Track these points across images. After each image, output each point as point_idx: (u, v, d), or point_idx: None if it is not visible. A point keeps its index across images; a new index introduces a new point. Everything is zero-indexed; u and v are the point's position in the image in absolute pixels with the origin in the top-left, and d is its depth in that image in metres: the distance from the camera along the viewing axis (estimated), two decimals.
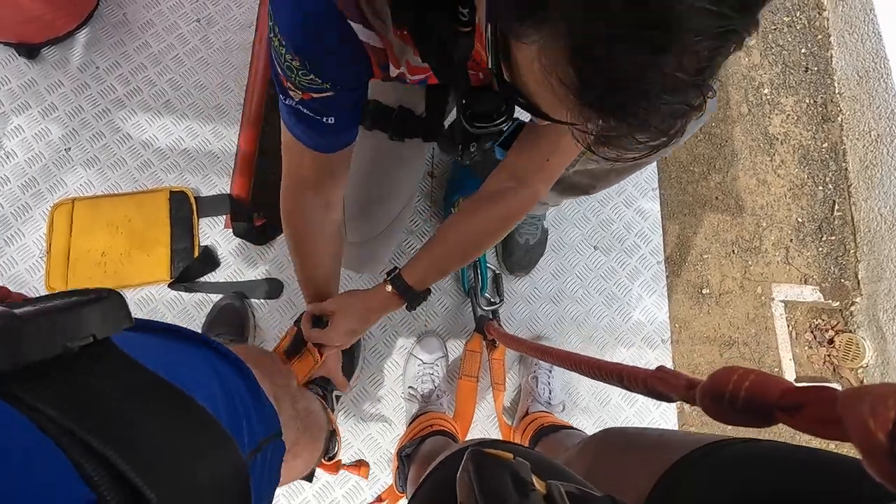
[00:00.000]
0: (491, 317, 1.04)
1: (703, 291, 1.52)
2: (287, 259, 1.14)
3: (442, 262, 0.71)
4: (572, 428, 0.90)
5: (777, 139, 1.66)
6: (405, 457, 0.84)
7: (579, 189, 0.89)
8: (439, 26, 0.45)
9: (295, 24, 0.46)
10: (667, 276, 1.24)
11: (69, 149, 1.15)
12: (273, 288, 1.11)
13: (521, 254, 1.11)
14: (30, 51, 1.19)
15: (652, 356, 1.12)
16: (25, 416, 0.19)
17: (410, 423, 0.96)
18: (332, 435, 0.75)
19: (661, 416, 1.11)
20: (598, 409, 1.08)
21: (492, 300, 1.06)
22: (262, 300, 1.10)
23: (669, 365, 1.13)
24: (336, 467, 0.77)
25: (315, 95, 0.52)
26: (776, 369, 1.49)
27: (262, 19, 1.27)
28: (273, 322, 1.10)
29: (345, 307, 0.74)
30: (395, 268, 0.72)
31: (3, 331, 0.19)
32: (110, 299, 0.25)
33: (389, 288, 0.71)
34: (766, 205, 1.59)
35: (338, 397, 0.92)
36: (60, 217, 1.10)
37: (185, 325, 0.41)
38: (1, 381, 0.19)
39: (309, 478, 0.69)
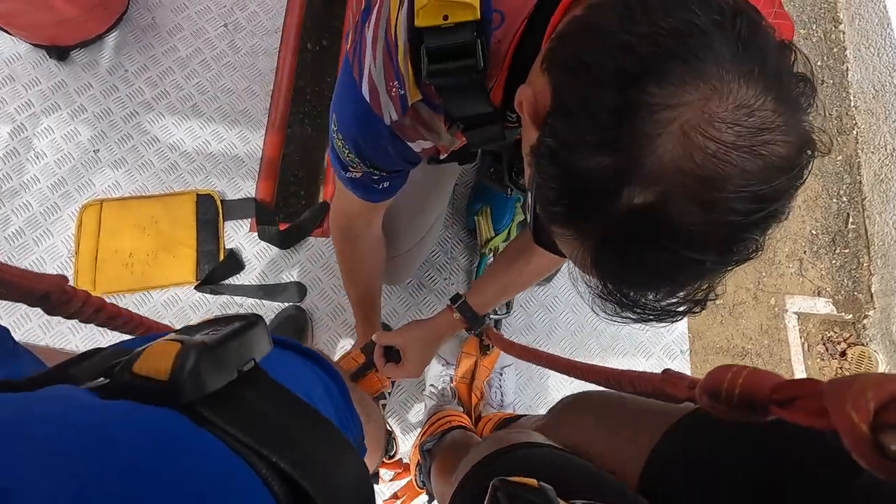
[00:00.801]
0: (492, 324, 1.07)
1: (717, 302, 1.53)
2: (310, 262, 1.15)
3: (504, 288, 0.75)
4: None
5: None
6: (426, 451, 0.86)
7: None
8: (491, 130, 0.49)
9: (357, 134, 0.52)
10: None
11: (98, 150, 1.17)
12: (296, 292, 1.12)
13: None
14: (60, 53, 1.20)
15: (672, 366, 1.13)
16: (220, 439, 0.21)
17: (428, 419, 0.97)
18: (389, 436, 0.77)
19: None
20: None
21: (497, 310, 1.07)
22: (285, 303, 1.12)
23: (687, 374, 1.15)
24: (400, 465, 0.80)
25: (371, 172, 0.58)
26: None
27: (289, 25, 1.29)
28: None
29: (413, 340, 0.77)
30: (459, 294, 0.76)
31: (198, 365, 0.21)
32: (260, 324, 0.27)
33: (457, 315, 0.75)
34: None
35: (384, 406, 0.94)
36: (89, 218, 1.11)
37: None
38: (192, 406, 0.21)
39: (374, 478, 0.72)
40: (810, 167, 0.31)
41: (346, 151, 0.54)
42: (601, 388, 0.45)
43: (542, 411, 1.08)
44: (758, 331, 1.56)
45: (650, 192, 0.29)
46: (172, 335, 0.23)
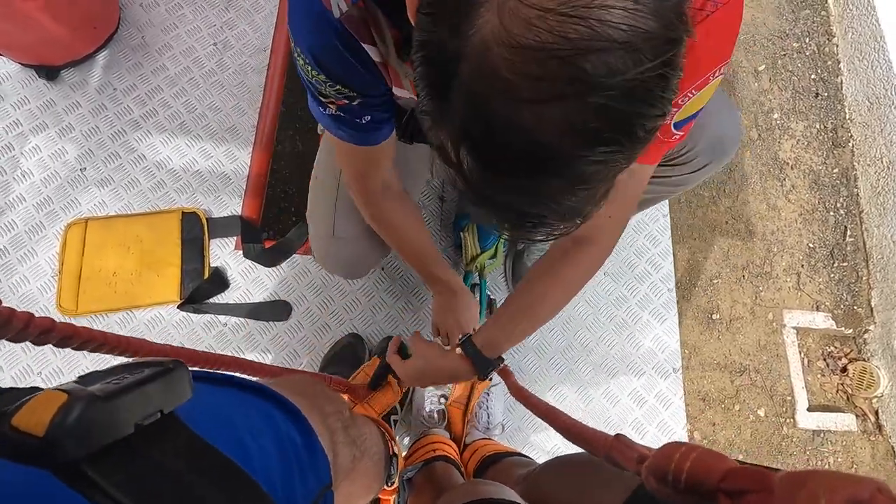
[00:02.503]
0: None
1: (714, 317, 1.50)
2: (295, 280, 1.14)
3: (510, 327, 0.70)
4: (517, 454, 0.88)
5: (787, 164, 1.65)
6: (406, 480, 0.83)
7: None
8: None
9: (313, 44, 0.51)
10: (677, 302, 1.23)
11: (84, 169, 1.17)
12: (281, 310, 1.11)
13: None
14: (49, 72, 1.21)
15: (663, 385, 1.11)
16: (93, 502, 0.19)
17: (413, 444, 0.95)
18: (395, 460, 0.75)
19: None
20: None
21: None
22: (270, 322, 1.10)
23: (680, 394, 1.12)
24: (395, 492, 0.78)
25: (347, 102, 0.56)
26: (788, 397, 1.47)
27: (277, 43, 1.29)
28: (281, 344, 1.09)
29: (424, 352, 0.76)
30: (469, 334, 0.73)
31: (79, 421, 0.19)
32: (176, 371, 0.25)
33: (458, 350, 0.71)
34: (776, 230, 1.58)
35: (395, 422, 0.92)
36: (73, 236, 1.11)
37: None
38: (76, 464, 0.19)
39: None
40: (670, 56, 0.28)
41: (308, 68, 0.53)
42: (579, 456, 0.43)
43: (531, 433, 1.05)
44: (756, 346, 1.53)
45: (477, 69, 0.28)
46: (68, 384, 0.21)
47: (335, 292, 1.13)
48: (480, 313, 1.00)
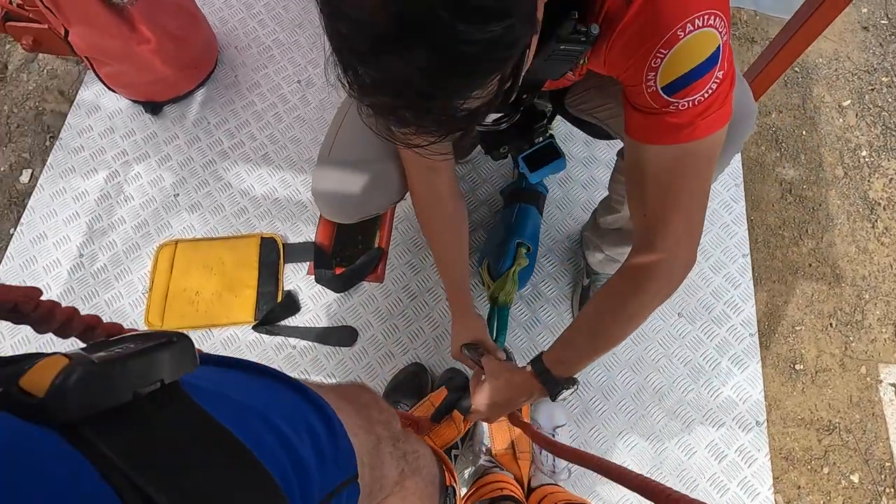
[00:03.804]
0: None
1: (797, 367, 1.38)
2: (363, 307, 1.16)
3: (580, 346, 0.66)
4: None
5: (879, 204, 1.53)
6: None
7: (626, 235, 0.86)
8: None
9: None
10: (760, 349, 1.15)
11: (178, 194, 1.27)
12: (347, 335, 1.13)
13: None
14: (154, 108, 1.34)
15: (745, 439, 1.02)
16: (91, 462, 0.20)
17: (475, 481, 0.92)
18: (451, 492, 0.73)
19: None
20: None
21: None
22: (337, 347, 1.13)
23: (765, 451, 1.03)
24: None
25: None
26: (888, 463, 1.31)
27: None
28: (346, 370, 1.11)
29: (497, 372, 0.73)
30: (541, 353, 0.69)
31: (77, 384, 0.20)
32: (179, 344, 0.26)
33: (529, 368, 0.69)
34: (868, 275, 1.45)
35: (456, 457, 0.90)
36: (164, 257, 1.19)
37: None
38: (75, 425, 0.20)
39: None
40: None
41: None
42: None
43: (596, 482, 0.99)
44: (847, 403, 1.39)
45: None
46: (74, 350, 0.22)
47: (400, 321, 1.14)
48: (500, 342, 0.96)
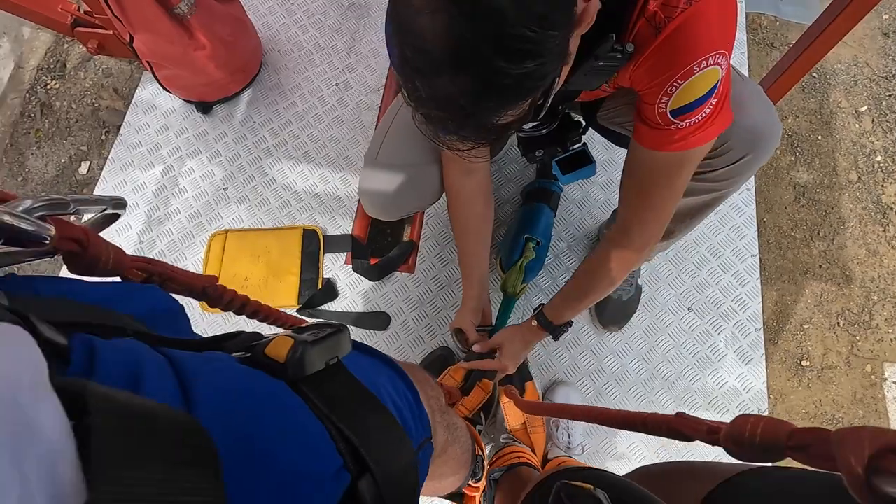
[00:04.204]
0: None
1: (803, 363, 1.45)
2: (395, 295, 1.27)
3: (572, 302, 0.86)
4: (599, 469, 0.92)
5: (891, 209, 1.58)
6: (493, 480, 0.91)
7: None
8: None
9: None
10: (764, 344, 1.22)
11: (227, 188, 1.39)
12: (381, 320, 1.23)
13: (614, 309, 1.16)
14: (205, 107, 1.45)
15: None
16: (309, 406, 0.31)
17: (499, 451, 1.02)
18: (479, 460, 0.85)
19: None
20: (650, 456, 1.09)
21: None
22: (371, 330, 1.23)
23: None
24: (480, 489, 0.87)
25: None
26: None
27: (389, 83, 1.46)
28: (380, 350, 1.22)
29: (510, 337, 0.94)
30: (542, 304, 0.91)
31: (302, 356, 0.31)
32: (345, 331, 0.36)
33: (534, 322, 0.90)
34: (877, 277, 1.50)
35: (480, 431, 1.02)
36: (216, 245, 1.31)
37: None
38: (296, 382, 0.31)
39: (458, 497, 0.80)
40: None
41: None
42: (665, 462, 0.48)
43: (607, 458, 1.09)
44: (850, 399, 1.46)
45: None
46: (290, 332, 0.33)
47: (429, 308, 1.24)
48: (499, 326, 1.07)
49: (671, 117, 0.61)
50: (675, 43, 0.55)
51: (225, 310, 0.51)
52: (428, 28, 0.42)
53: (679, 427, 0.36)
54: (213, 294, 0.49)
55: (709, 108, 0.60)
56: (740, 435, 0.29)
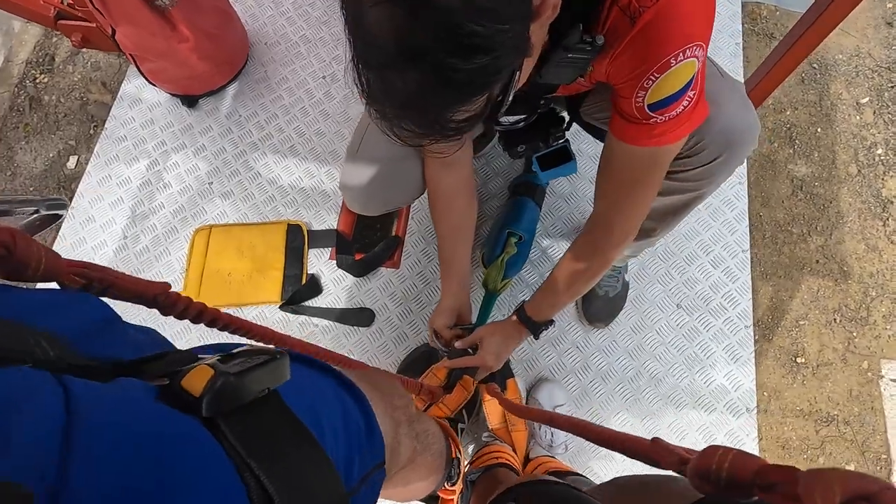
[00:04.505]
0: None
1: (798, 360, 1.42)
2: (380, 291, 1.25)
3: (551, 297, 0.85)
4: (578, 474, 0.92)
5: (891, 203, 1.54)
6: (470, 482, 0.90)
7: (642, 233, 0.93)
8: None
9: None
10: (756, 341, 1.20)
11: (212, 183, 1.37)
12: (365, 317, 1.22)
13: (601, 305, 1.14)
14: (190, 101, 1.44)
15: (735, 424, 1.08)
16: (220, 444, 0.28)
17: (478, 451, 1.01)
18: (456, 462, 0.83)
19: None
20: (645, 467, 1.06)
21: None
22: (355, 327, 1.22)
23: (753, 435, 1.09)
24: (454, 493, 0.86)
25: None
26: (884, 455, 1.35)
27: None
28: (363, 348, 1.20)
29: (491, 333, 0.91)
30: (524, 301, 0.89)
31: (221, 390, 0.29)
32: (281, 360, 0.34)
33: (515, 318, 0.89)
34: (876, 273, 1.47)
35: (462, 430, 1.00)
36: (200, 240, 1.30)
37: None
38: (212, 418, 0.29)
39: (433, 501, 0.79)
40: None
41: None
42: (644, 473, 0.46)
43: (591, 457, 1.07)
44: (846, 396, 1.43)
45: None
46: (214, 360, 0.31)
47: (414, 304, 1.23)
48: (479, 324, 1.06)
49: (649, 111, 0.59)
50: (651, 34, 0.53)
51: (179, 318, 0.48)
52: (376, 22, 0.41)
53: (652, 454, 0.34)
54: (166, 302, 0.47)
55: (686, 101, 0.58)
56: (707, 468, 0.27)
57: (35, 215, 0.40)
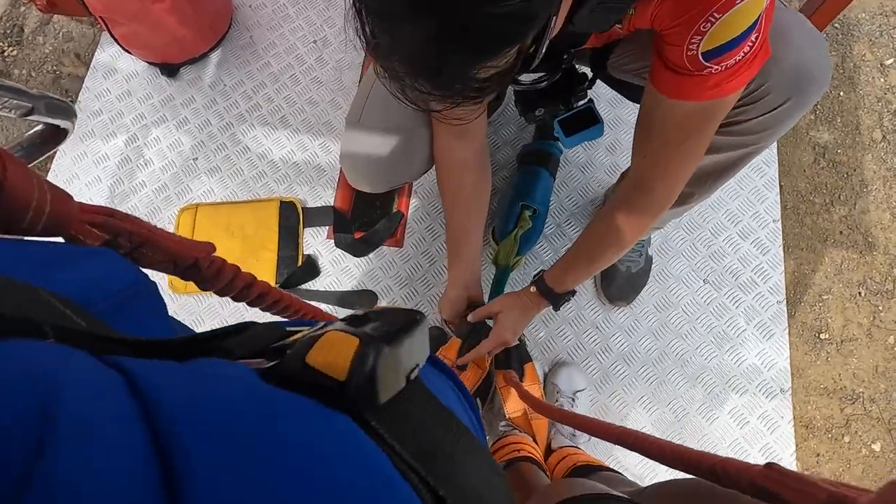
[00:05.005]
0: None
1: (822, 336, 1.36)
2: (382, 271, 1.16)
3: (575, 266, 0.77)
4: (609, 469, 0.84)
5: None
6: None
7: (678, 199, 0.84)
8: None
9: None
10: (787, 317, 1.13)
11: (196, 158, 1.26)
12: (368, 300, 1.13)
13: (622, 282, 1.06)
14: (171, 70, 1.32)
15: (769, 406, 1.01)
16: (384, 452, 0.18)
17: (497, 441, 0.93)
18: None
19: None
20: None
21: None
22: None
23: (788, 417, 1.02)
24: None
25: None
26: None
27: None
28: None
29: (507, 305, 0.84)
30: (542, 270, 0.81)
31: (372, 373, 0.18)
32: (424, 322, 0.24)
33: (533, 289, 0.81)
34: None
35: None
36: (186, 220, 1.20)
37: None
38: (360, 414, 0.19)
39: None
40: None
41: None
42: (689, 480, 0.38)
43: (614, 446, 1.00)
44: (872, 373, 1.37)
45: None
46: (342, 325, 0.20)
47: (420, 285, 1.14)
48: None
49: (703, 61, 0.49)
50: None
51: (222, 294, 0.35)
52: None
53: (779, 489, 0.25)
54: (209, 270, 0.35)
55: (749, 45, 0.48)
56: None
57: (33, 127, 0.29)
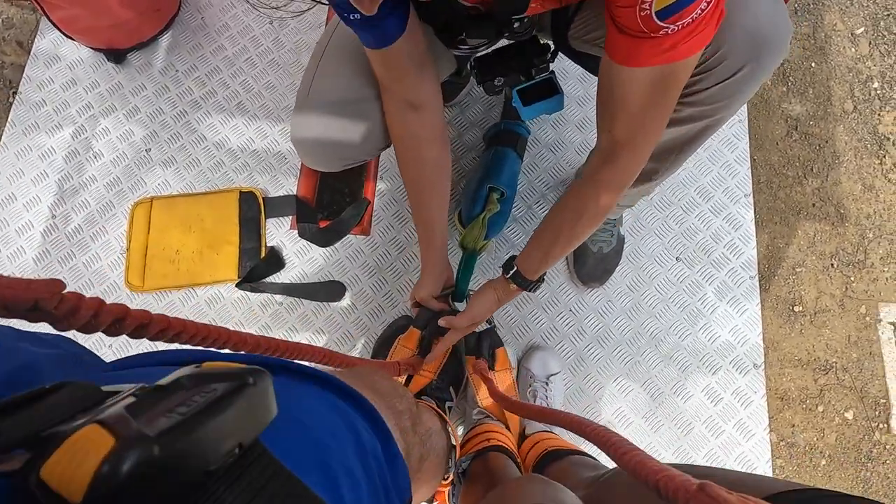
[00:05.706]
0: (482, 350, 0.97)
1: (795, 308, 1.36)
2: (349, 261, 1.12)
3: (546, 245, 0.74)
4: (580, 452, 0.83)
5: (888, 139, 1.46)
6: (460, 472, 0.80)
7: (642, 176, 0.82)
8: None
9: None
10: (760, 292, 1.12)
11: (149, 149, 1.20)
12: (335, 291, 1.10)
13: (594, 263, 1.03)
14: (117, 56, 1.25)
15: (742, 382, 1.01)
16: None
17: (468, 433, 0.92)
18: (451, 451, 0.73)
19: (752, 451, 0.99)
20: (648, 433, 0.99)
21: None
22: (324, 303, 1.09)
23: (762, 392, 1.02)
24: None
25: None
26: (882, 400, 1.32)
27: (333, 19, 1.27)
28: (335, 325, 1.08)
29: (477, 293, 0.83)
30: (513, 255, 0.79)
31: (133, 473, 0.13)
32: (258, 385, 0.18)
33: (513, 286, 0.79)
34: (872, 213, 1.40)
35: (450, 408, 0.90)
36: (140, 215, 1.14)
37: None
38: None
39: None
40: None
41: None
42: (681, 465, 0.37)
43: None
44: (845, 342, 1.38)
45: None
46: (116, 410, 0.15)
47: (389, 274, 1.10)
48: (459, 293, 0.95)
49: (658, 20, 0.46)
50: None
51: (86, 332, 0.28)
52: None
53: None
54: (60, 310, 0.27)
55: (706, 1, 0.45)
56: None
57: None
